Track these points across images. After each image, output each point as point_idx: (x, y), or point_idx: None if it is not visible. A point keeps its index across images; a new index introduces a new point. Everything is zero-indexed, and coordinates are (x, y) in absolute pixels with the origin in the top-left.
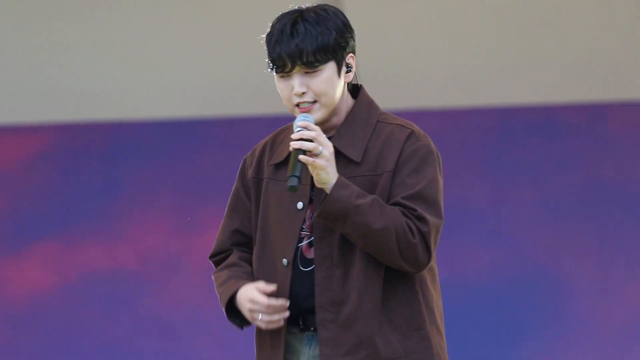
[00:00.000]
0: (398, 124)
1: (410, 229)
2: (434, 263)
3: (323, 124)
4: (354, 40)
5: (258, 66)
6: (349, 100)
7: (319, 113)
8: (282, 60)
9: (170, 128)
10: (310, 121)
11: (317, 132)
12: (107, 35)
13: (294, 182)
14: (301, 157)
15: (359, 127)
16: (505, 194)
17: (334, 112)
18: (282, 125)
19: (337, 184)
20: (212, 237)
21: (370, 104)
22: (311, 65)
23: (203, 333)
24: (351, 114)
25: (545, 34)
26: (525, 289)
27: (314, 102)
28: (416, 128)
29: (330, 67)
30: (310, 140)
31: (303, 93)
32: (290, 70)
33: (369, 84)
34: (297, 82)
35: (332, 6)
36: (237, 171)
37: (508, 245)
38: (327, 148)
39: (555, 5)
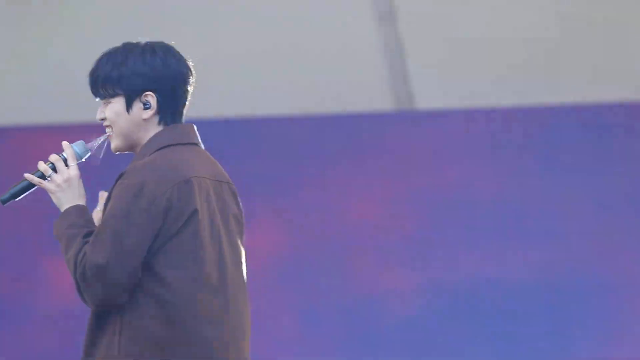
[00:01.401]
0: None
1: (76, 264)
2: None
3: (134, 151)
4: (158, 80)
5: None
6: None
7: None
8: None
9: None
10: (75, 147)
11: (57, 157)
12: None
13: (3, 196)
14: (26, 174)
15: (132, 162)
16: (559, 192)
17: (133, 144)
18: None
19: (63, 213)
20: (261, 237)
21: (150, 143)
22: (102, 96)
23: (253, 330)
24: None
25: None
26: (579, 287)
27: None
28: (132, 167)
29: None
30: (50, 163)
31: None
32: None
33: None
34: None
35: (161, 44)
36: (280, 175)
37: (562, 244)
38: (61, 175)
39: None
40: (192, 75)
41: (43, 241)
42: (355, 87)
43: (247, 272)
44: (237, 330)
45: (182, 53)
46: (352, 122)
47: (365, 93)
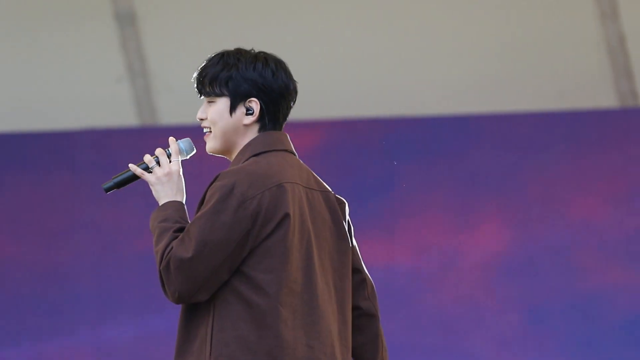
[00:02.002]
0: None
1: (162, 256)
2: (229, 295)
3: (228, 155)
4: (265, 89)
5: None
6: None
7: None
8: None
9: (442, 124)
10: (181, 145)
11: (161, 151)
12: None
13: (107, 184)
14: (130, 165)
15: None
16: None
17: (229, 147)
18: None
19: (160, 207)
20: (487, 233)
21: (245, 149)
22: (207, 94)
23: (479, 329)
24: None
25: None
26: None
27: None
28: (226, 170)
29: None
30: (155, 156)
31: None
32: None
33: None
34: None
35: (274, 56)
36: (503, 171)
37: None
38: (163, 168)
39: None
40: (296, 93)
41: None
42: (578, 84)
43: (465, 268)
44: (322, 335)
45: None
46: (575, 119)
47: (588, 90)
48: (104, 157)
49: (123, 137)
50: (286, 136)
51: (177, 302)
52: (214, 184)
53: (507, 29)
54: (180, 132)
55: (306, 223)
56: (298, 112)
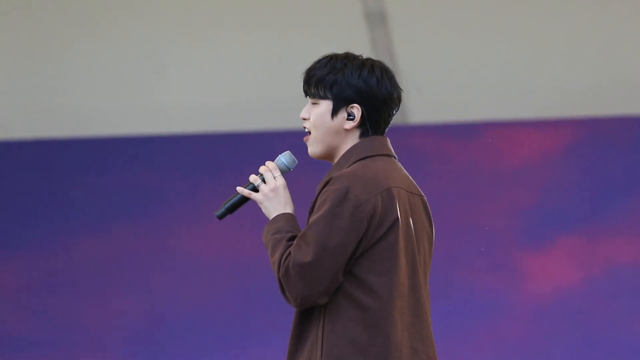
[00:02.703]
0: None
1: (280, 264)
2: (342, 299)
3: (329, 159)
4: (368, 96)
5: None
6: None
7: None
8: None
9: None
10: (282, 159)
11: (266, 168)
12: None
13: (219, 211)
14: (238, 187)
15: (330, 173)
16: None
17: (330, 151)
18: None
19: (271, 221)
20: None
21: (350, 153)
22: (312, 95)
23: None
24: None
25: None
26: None
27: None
28: (338, 174)
29: (325, 104)
30: (260, 175)
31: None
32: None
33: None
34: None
35: (381, 63)
36: None
37: None
38: (269, 184)
39: None
40: (400, 101)
41: None
42: None
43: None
44: (425, 339)
45: None
46: None
47: None
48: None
49: None
50: (387, 140)
51: (299, 307)
52: (327, 188)
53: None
54: (429, 131)
55: (410, 227)
56: (544, 111)
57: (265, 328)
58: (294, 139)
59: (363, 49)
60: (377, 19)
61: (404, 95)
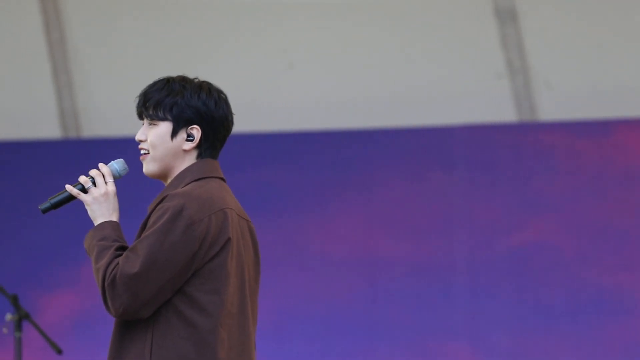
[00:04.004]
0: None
1: (106, 273)
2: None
3: (163, 178)
4: (207, 118)
5: None
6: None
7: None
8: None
9: None
10: (115, 166)
11: (98, 172)
12: None
13: (43, 205)
14: (67, 185)
15: (164, 192)
16: None
17: (166, 171)
18: None
19: (96, 226)
20: None
21: (184, 174)
22: (150, 117)
23: None
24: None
25: None
26: None
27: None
28: (173, 193)
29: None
30: (91, 177)
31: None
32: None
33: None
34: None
35: (216, 87)
36: None
37: None
38: (100, 188)
39: None
40: (232, 124)
41: None
42: None
43: None
44: (247, 357)
45: None
46: None
47: None
48: (481, 153)
49: (500, 134)
50: (217, 163)
51: (121, 317)
52: (162, 205)
53: None
54: (559, 128)
55: (240, 249)
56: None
57: (390, 326)
58: (415, 137)
59: (493, 46)
60: (507, 16)
61: (534, 92)
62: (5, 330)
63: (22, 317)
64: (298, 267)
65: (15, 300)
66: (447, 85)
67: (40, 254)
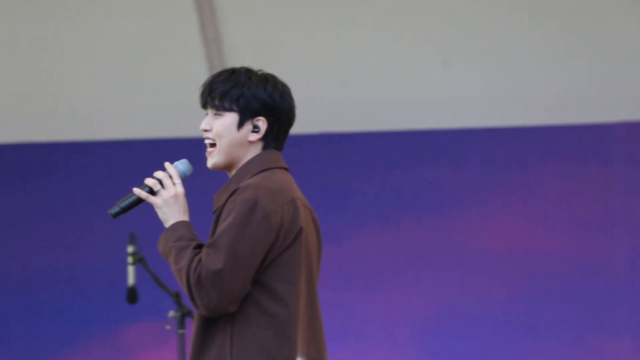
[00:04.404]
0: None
1: (189, 272)
2: (250, 307)
3: (229, 170)
4: (273, 110)
5: None
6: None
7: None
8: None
9: None
10: (180, 167)
11: (165, 174)
12: None
13: (113, 209)
14: (134, 189)
15: (230, 183)
16: None
17: (232, 162)
18: None
19: (169, 227)
20: None
21: (249, 165)
22: (216, 107)
23: None
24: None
25: None
26: None
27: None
28: (244, 185)
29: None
30: (158, 179)
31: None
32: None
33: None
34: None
35: (281, 80)
36: None
37: None
38: (168, 191)
39: None
40: (295, 117)
41: None
42: None
43: None
44: (319, 348)
45: None
46: None
47: None
48: (638, 151)
49: None
50: (281, 155)
51: (210, 314)
52: (234, 198)
53: None
54: None
55: (307, 238)
56: None
57: (551, 324)
58: (574, 134)
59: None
60: None
61: None
62: (168, 327)
63: (185, 314)
64: (458, 265)
65: (177, 298)
66: (605, 82)
67: None
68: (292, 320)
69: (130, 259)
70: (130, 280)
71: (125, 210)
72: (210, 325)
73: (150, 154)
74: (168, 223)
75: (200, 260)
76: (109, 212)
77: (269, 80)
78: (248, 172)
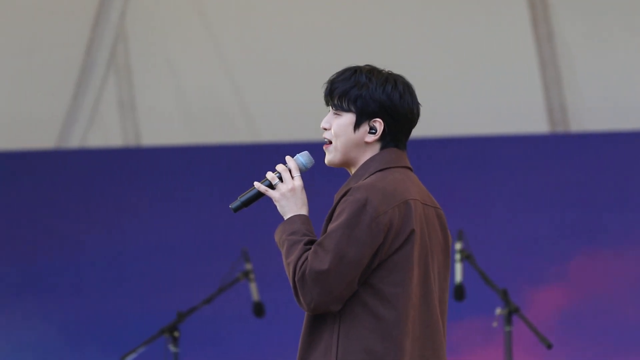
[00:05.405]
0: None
1: (296, 268)
2: (356, 307)
3: (346, 167)
4: (391, 111)
5: None
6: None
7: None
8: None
9: None
10: (300, 159)
11: (284, 167)
12: None
13: (234, 203)
14: (255, 183)
15: (349, 182)
16: None
17: (348, 161)
18: None
19: (286, 220)
20: None
21: (368, 164)
22: (335, 107)
23: None
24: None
25: None
26: None
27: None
28: (357, 185)
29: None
30: (278, 173)
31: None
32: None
33: None
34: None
35: (403, 79)
36: None
37: None
38: (286, 184)
39: None
40: (418, 115)
41: None
42: None
43: None
44: (435, 348)
45: None
46: None
47: None
48: None
49: None
50: (405, 154)
51: (312, 312)
52: (345, 198)
53: None
54: None
55: (425, 238)
56: None
57: None
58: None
59: None
60: None
61: None
62: (495, 324)
63: (512, 311)
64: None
65: (505, 295)
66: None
67: (530, 249)
68: (399, 324)
69: (458, 256)
70: (458, 277)
71: (245, 204)
72: (318, 322)
73: (482, 151)
74: (286, 216)
75: (307, 258)
76: (230, 206)
77: (389, 81)
78: (366, 171)
